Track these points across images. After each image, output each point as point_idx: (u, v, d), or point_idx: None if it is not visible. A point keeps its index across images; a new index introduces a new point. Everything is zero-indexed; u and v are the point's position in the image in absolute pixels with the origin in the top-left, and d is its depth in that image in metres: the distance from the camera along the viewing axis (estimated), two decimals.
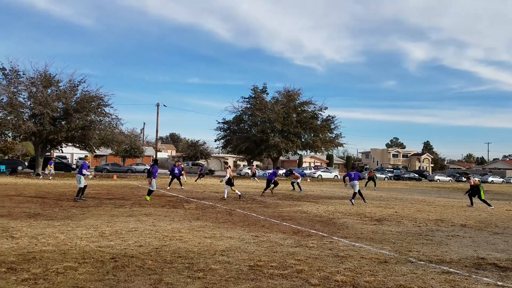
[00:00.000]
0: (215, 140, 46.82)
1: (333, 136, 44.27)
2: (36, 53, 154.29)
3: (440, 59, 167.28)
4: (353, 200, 16.83)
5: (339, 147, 48.89)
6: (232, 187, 17.04)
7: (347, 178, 17.57)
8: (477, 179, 18.78)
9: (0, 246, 6.77)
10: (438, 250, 7.84)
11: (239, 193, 17.54)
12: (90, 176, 15.26)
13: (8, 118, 29.42)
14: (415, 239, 9.11)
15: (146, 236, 8.21)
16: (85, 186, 14.91)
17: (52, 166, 30.08)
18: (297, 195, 21.01)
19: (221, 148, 50.85)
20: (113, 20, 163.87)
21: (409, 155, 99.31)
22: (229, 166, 17.80)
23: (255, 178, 37.39)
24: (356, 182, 16.98)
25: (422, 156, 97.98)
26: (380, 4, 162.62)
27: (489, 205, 17.03)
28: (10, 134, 32.55)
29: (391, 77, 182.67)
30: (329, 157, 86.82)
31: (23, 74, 31.49)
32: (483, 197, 17.25)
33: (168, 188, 22.53)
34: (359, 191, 17.30)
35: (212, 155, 76.48)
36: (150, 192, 15.61)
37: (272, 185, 21.34)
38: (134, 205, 13.92)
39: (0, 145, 49.04)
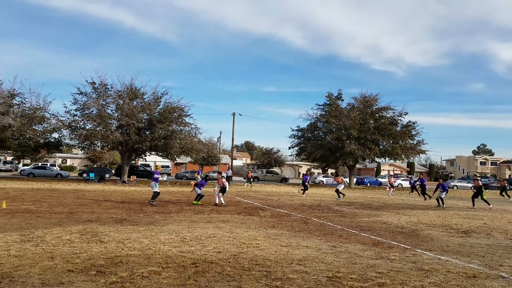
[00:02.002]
0: (289, 148, 46.59)
1: (415, 143, 41.92)
2: (123, 67, 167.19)
3: None
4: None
5: (421, 155, 45.93)
6: (222, 194, 16.99)
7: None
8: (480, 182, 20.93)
9: (90, 249, 7.28)
10: None
11: (223, 202, 16.66)
12: (164, 179, 16.43)
13: (98, 129, 31.89)
14: (507, 252, 8.40)
15: (224, 242, 8.36)
16: (156, 193, 16.27)
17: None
18: (376, 205, 20.16)
19: (295, 155, 50.48)
20: (194, 34, 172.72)
21: (498, 162, 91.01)
22: (223, 176, 17.67)
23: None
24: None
25: None
26: (465, 3, 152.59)
27: (488, 204, 20.09)
28: (99, 144, 35.27)
29: (479, 80, 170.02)
30: (410, 165, 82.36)
31: (111, 88, 33.87)
32: (484, 197, 20.14)
33: (304, 196, 24.50)
34: None
35: (286, 162, 76.59)
36: (197, 197, 16.87)
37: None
38: (212, 211, 14.32)
39: (89, 154, 53.31)
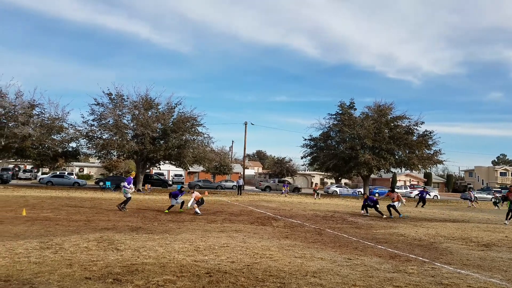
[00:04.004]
0: (302, 157, 46.37)
1: (431, 153, 41.25)
2: (139, 78, 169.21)
3: None
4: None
5: (438, 165, 45.19)
6: (195, 205, 16.77)
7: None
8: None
9: (107, 257, 7.34)
10: None
11: (198, 212, 16.74)
12: (131, 191, 16.40)
13: (114, 138, 32.36)
14: None
15: (238, 252, 8.34)
16: (128, 198, 16.52)
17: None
18: (392, 216, 19.84)
19: (307, 165, 50.18)
20: (206, 45, 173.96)
21: None
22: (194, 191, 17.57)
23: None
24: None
25: None
26: (479, 12, 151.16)
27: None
28: (115, 153, 35.78)
29: (497, 89, 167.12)
30: (427, 176, 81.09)
31: (127, 98, 34.53)
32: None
33: (363, 212, 20.40)
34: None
35: (298, 172, 76.21)
36: (182, 205, 17.24)
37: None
38: (225, 221, 14.32)
39: (106, 163, 54.00)
